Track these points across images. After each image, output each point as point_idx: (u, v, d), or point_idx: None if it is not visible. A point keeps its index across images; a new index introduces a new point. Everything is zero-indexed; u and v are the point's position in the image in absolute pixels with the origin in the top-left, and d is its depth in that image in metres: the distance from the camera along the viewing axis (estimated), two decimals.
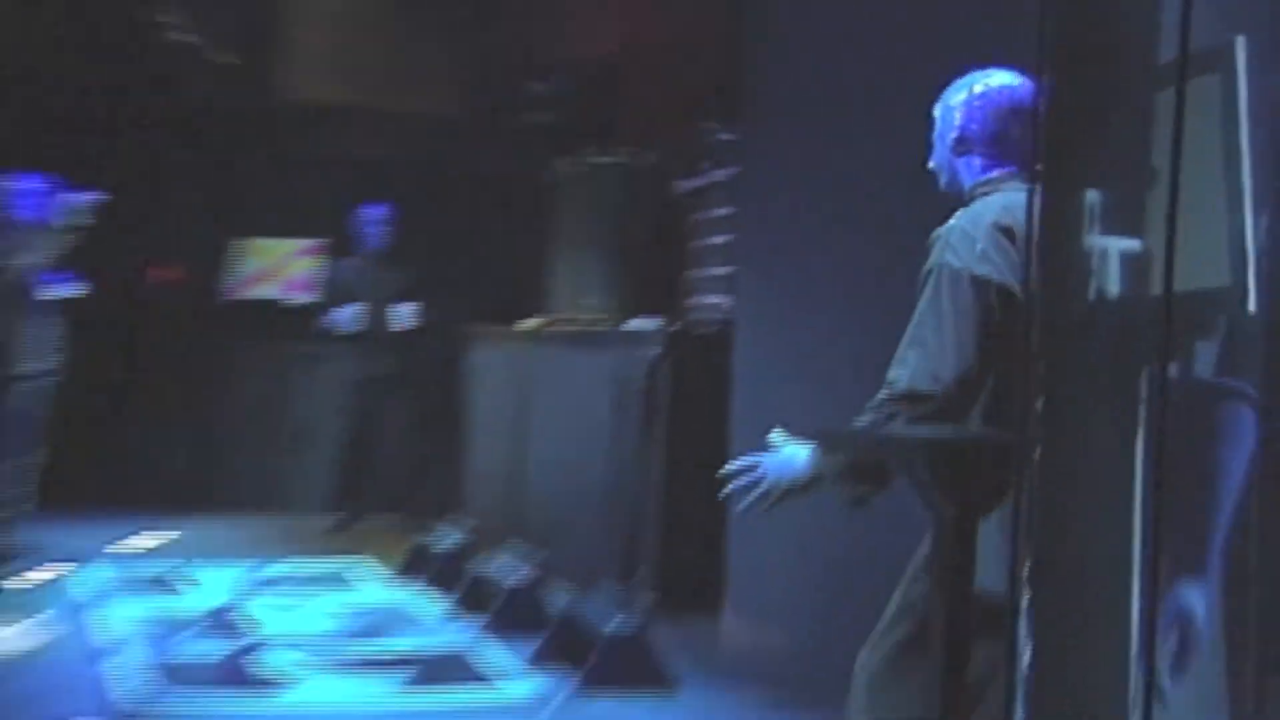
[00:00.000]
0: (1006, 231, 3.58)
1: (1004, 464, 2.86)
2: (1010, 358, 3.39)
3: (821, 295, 6.88)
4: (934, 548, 3.18)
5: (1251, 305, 2.64)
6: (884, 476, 3.69)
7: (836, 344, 6.36)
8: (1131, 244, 2.59)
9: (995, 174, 3.83)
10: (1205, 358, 2.62)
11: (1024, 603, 2.67)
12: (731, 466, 3.90)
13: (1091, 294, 2.57)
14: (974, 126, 3.86)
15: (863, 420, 3.70)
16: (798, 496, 3.83)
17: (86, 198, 8.95)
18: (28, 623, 7.97)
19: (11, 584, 8.94)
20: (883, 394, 3.68)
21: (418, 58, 12.50)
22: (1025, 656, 2.69)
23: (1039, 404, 2.58)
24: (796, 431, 3.85)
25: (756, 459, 3.86)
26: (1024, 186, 3.55)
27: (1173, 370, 2.56)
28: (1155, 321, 2.53)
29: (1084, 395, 2.61)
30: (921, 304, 3.70)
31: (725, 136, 8.77)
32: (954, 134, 3.90)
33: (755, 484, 3.84)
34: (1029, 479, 2.63)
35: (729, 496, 3.92)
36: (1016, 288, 3.42)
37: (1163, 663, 2.62)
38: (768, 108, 7.78)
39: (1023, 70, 3.76)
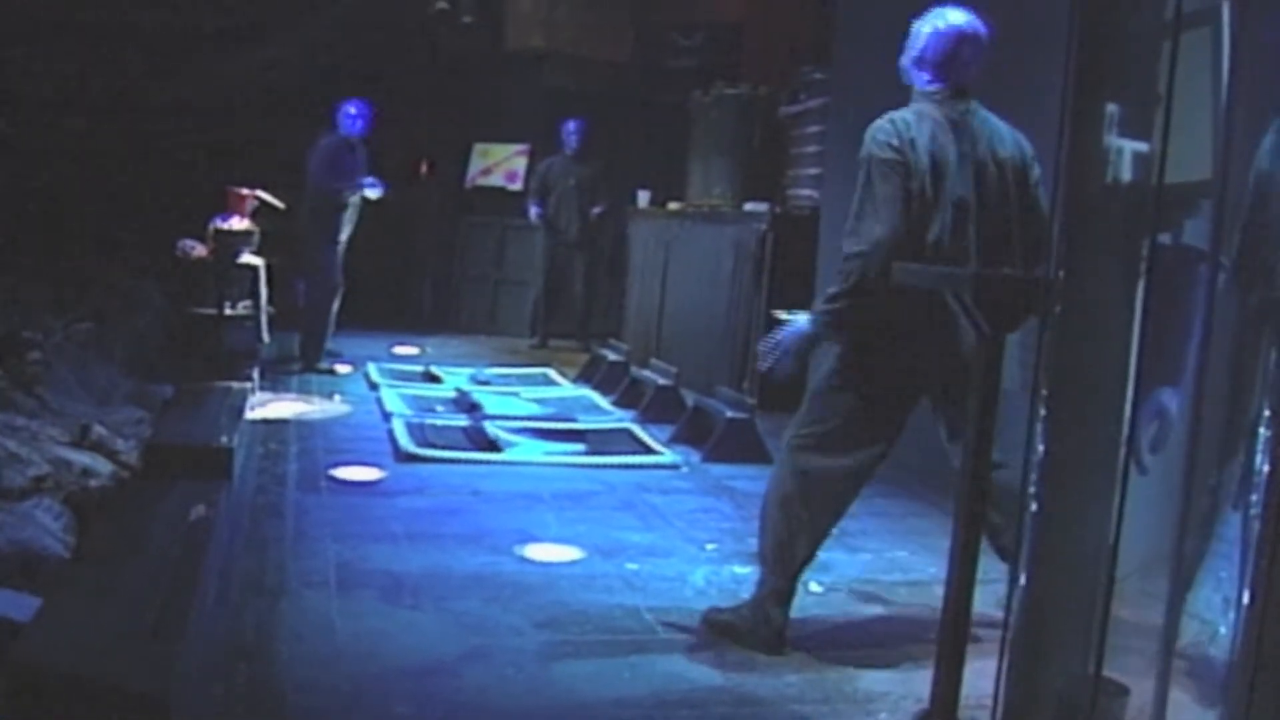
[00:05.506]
0: (907, 129, 3.73)
1: (1027, 296, 2.80)
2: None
3: None
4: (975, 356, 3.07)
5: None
6: (860, 325, 3.80)
7: None
8: (1138, 145, 2.49)
9: (932, 88, 3.86)
10: (1194, 229, 2.51)
11: (1043, 401, 2.63)
12: (762, 345, 4.00)
13: (1108, 178, 2.49)
14: (929, 53, 3.85)
15: (844, 277, 3.76)
16: (808, 349, 3.94)
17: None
18: (339, 396, 8.15)
19: (339, 370, 9.20)
20: (858, 250, 3.74)
21: (600, 18, 12.34)
22: (1039, 440, 2.64)
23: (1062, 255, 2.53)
24: None
25: (776, 336, 3.94)
26: (946, 101, 3.79)
27: (1165, 238, 2.49)
28: (1151, 201, 2.46)
29: (1097, 253, 2.54)
30: (862, 184, 3.78)
31: (817, 75, 8.63)
32: (915, 53, 3.89)
33: (777, 349, 3.91)
34: (1051, 310, 2.57)
35: (763, 364, 3.97)
36: (914, 164, 3.66)
37: (1145, 443, 2.56)
38: (848, 54, 7.63)
39: (974, 9, 3.86)
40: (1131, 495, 2.50)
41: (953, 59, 3.81)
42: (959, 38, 3.80)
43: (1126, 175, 2.49)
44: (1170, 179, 2.43)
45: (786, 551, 3.94)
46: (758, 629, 3.93)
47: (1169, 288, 2.53)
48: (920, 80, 3.88)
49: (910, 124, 3.76)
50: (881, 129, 3.78)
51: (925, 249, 3.67)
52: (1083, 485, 2.64)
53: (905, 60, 3.92)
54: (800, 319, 3.91)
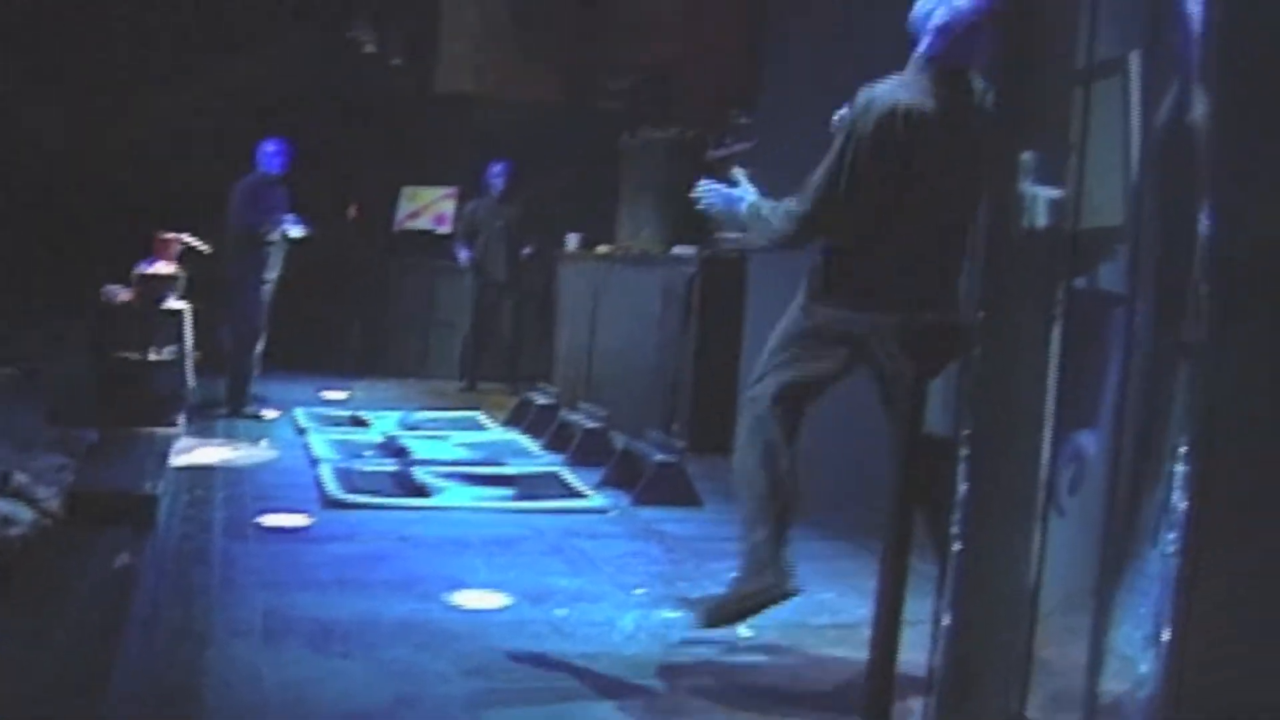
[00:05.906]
0: (893, 110, 3.71)
1: (951, 342, 2.85)
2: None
3: None
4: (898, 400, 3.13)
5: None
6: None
7: None
8: (1053, 192, 2.56)
9: (927, 55, 3.84)
10: (1108, 274, 2.57)
11: (964, 440, 2.68)
12: (705, 187, 4.16)
13: (1025, 223, 2.55)
14: (940, 20, 3.81)
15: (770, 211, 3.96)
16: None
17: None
18: (266, 442, 8.07)
19: (266, 415, 9.12)
20: (796, 208, 3.87)
21: (529, 61, 12.39)
22: (963, 483, 2.69)
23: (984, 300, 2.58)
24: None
25: (719, 192, 4.13)
26: (926, 73, 3.81)
27: (1081, 282, 2.55)
28: (1067, 247, 2.52)
29: (1016, 297, 2.60)
30: (836, 148, 3.80)
31: (744, 119, 8.72)
32: (936, 21, 3.83)
33: (713, 203, 4.14)
34: (974, 354, 2.63)
35: (701, 198, 4.17)
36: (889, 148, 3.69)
37: (1063, 485, 2.61)
38: (775, 99, 7.74)
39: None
40: (1052, 532, 2.55)
41: (957, 34, 3.78)
42: (974, 18, 3.76)
43: (1043, 220, 2.55)
44: (1085, 224, 2.50)
45: (768, 500, 3.97)
46: (763, 575, 3.95)
47: (1086, 330, 2.59)
48: (922, 44, 3.86)
49: (905, 127, 3.73)
50: (888, 122, 3.75)
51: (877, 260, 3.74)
52: (1004, 524, 2.69)
53: (920, 21, 3.88)
54: (745, 195, 4.08)
